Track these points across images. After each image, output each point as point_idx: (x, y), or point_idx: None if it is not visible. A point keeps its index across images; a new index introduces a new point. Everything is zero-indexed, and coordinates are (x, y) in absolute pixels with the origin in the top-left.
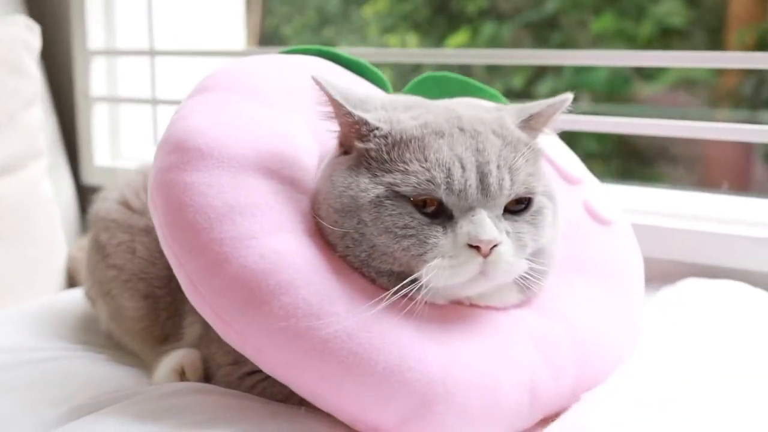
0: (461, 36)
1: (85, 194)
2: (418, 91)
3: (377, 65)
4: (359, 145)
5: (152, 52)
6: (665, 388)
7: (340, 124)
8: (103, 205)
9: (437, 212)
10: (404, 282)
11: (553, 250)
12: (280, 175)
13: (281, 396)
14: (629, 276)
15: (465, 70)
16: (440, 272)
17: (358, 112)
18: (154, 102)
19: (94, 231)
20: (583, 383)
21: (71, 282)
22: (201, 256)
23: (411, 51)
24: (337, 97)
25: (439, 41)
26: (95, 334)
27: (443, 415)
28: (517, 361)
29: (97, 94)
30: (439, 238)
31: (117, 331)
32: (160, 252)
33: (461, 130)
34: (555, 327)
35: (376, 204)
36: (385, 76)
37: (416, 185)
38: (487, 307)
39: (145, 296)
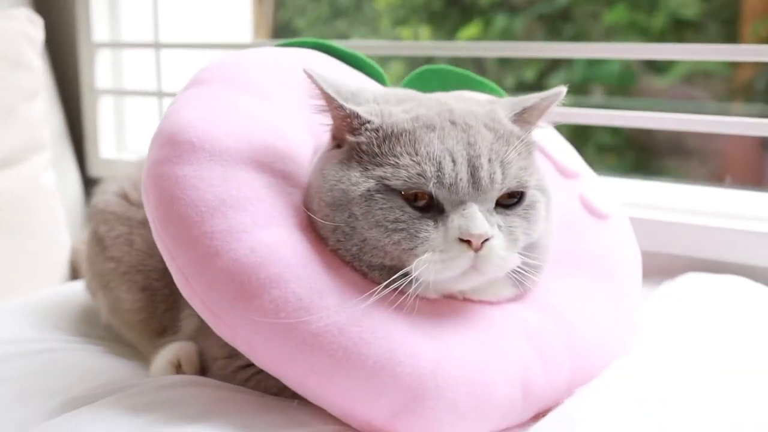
0: (473, 28)
1: (90, 187)
2: (417, 83)
3: (389, 58)
4: (351, 139)
5: (157, 45)
6: (663, 382)
7: (333, 118)
8: (102, 198)
9: (428, 206)
10: (395, 276)
11: (547, 245)
12: (272, 168)
13: (275, 389)
14: (625, 270)
15: (477, 62)
16: (431, 266)
17: (350, 106)
18: (160, 95)
19: (93, 223)
20: (577, 378)
21: (75, 274)
22: (192, 249)
23: (423, 44)
24: (329, 90)
25: (451, 33)
26: (95, 327)
27: (434, 410)
28: (510, 356)
29: (102, 87)
30: (430, 232)
31: (116, 324)
32: None
33: (453, 123)
34: (549, 322)
35: (366, 198)
36: (396, 68)
37: (407, 179)
38: (480, 302)
39: (143, 288)
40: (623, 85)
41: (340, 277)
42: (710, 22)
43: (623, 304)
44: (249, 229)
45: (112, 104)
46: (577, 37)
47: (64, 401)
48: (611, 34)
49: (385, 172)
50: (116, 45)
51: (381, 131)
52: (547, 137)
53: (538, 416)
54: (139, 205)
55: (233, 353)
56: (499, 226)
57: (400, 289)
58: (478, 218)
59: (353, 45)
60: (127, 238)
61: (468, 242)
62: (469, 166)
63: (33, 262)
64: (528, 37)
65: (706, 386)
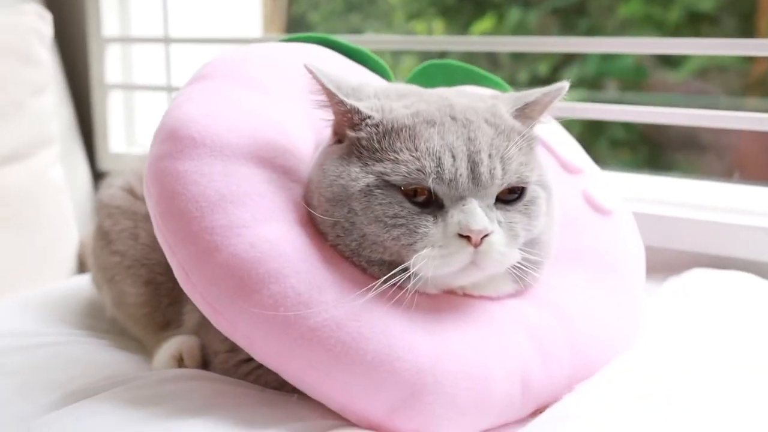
0: (487, 22)
1: (100, 181)
2: (421, 78)
3: (403, 53)
4: (351, 134)
5: (167, 40)
6: (666, 378)
7: (334, 113)
8: (107, 192)
9: (428, 201)
10: (394, 271)
11: (548, 240)
12: (273, 163)
13: (276, 383)
14: (629, 266)
15: (491, 57)
16: (430, 262)
17: (351, 101)
18: (169, 89)
19: (99, 217)
20: (579, 374)
21: (83, 268)
22: (192, 244)
23: (436, 38)
24: (329, 86)
25: (465, 27)
26: (100, 320)
27: (433, 405)
28: (510, 352)
29: (112, 82)
30: (429, 227)
31: (120, 317)
32: None
33: (453, 118)
34: (550, 317)
35: (366, 193)
36: (409, 62)
37: (406, 174)
38: (481, 297)
39: (147, 282)
40: (634, 79)
41: (340, 273)
42: (726, 15)
43: (626, 300)
44: (249, 225)
45: (122, 99)
46: (592, 31)
47: (66, 394)
48: (626, 28)
49: (384, 167)
50: (126, 40)
51: (381, 126)
52: (550, 132)
53: (537, 412)
54: (144, 199)
55: (234, 347)
56: (499, 222)
57: (399, 284)
58: (478, 214)
59: (366, 40)
60: (132, 232)
61: (467, 238)
62: (468, 161)
63: (41, 257)
64: (542, 31)
65: (710, 382)
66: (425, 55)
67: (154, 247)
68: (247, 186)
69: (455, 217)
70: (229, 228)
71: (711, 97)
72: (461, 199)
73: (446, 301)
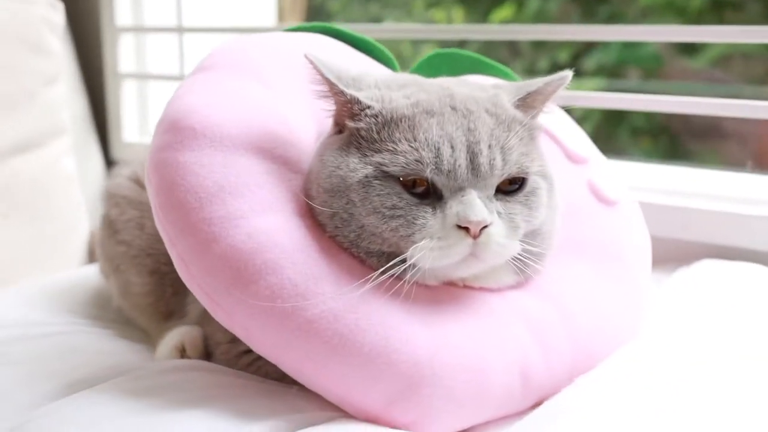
0: (506, 10)
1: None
2: (427, 68)
3: (422, 42)
4: (350, 124)
5: (180, 29)
6: (669, 371)
7: (335, 103)
8: (114, 182)
9: (427, 193)
10: (392, 262)
11: (550, 231)
12: (273, 154)
13: (276, 374)
14: (633, 257)
15: (511, 45)
16: (428, 253)
17: (350, 91)
18: (182, 79)
19: (105, 207)
20: (581, 366)
21: (93, 258)
22: (191, 235)
23: (455, 27)
24: (329, 76)
25: (484, 16)
26: (107, 310)
27: (431, 398)
28: (509, 344)
29: (125, 71)
30: (428, 218)
31: (126, 307)
32: None
33: (453, 108)
34: (551, 309)
35: (364, 184)
36: (429, 51)
37: (404, 165)
38: (481, 289)
39: (152, 272)
40: (653, 67)
41: (337, 264)
42: (750, 1)
43: (631, 291)
44: (247, 216)
45: (135, 88)
46: (613, 18)
47: (67, 384)
48: (648, 15)
49: (383, 158)
50: (139, 29)
51: (380, 117)
52: (556, 122)
53: (539, 405)
54: None
55: (236, 338)
56: (499, 213)
57: (397, 275)
58: (477, 205)
59: (386, 28)
60: (138, 222)
61: (466, 229)
62: (468, 152)
63: (51, 247)
64: (563, 18)
65: (716, 374)
66: (445, 44)
67: (160, 237)
68: (246, 177)
69: (454, 208)
70: (227, 219)
71: (733, 86)
72: (460, 190)
73: (446, 292)
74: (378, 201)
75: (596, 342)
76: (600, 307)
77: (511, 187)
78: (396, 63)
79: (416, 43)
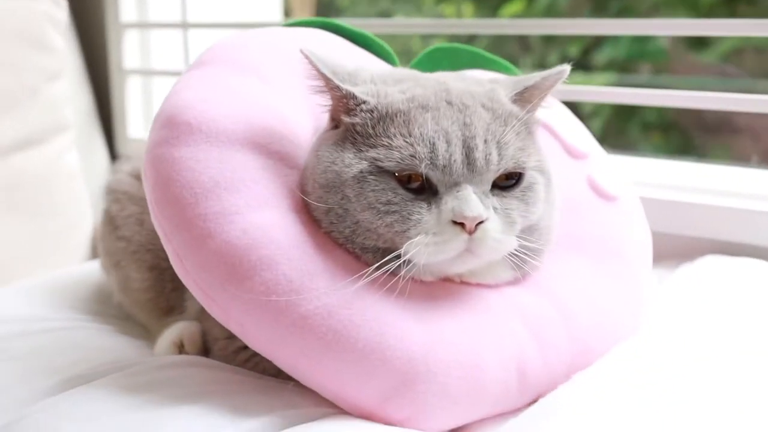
0: (516, 4)
1: None
2: (427, 63)
3: (432, 36)
4: (346, 120)
5: (185, 25)
6: (669, 367)
7: (331, 98)
8: (114, 177)
9: (422, 188)
10: (386, 258)
11: (548, 227)
12: (269, 150)
13: (273, 370)
14: (633, 253)
15: (521, 39)
16: (423, 249)
17: (346, 86)
18: None
19: (106, 203)
20: (578, 363)
21: (96, 254)
22: (186, 231)
23: (465, 21)
24: (324, 71)
25: (494, 10)
26: (108, 306)
27: (425, 394)
28: (506, 341)
29: (130, 67)
30: (423, 214)
31: (126, 302)
32: None
33: (449, 103)
34: (549, 306)
35: (359, 179)
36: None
37: (399, 160)
38: (478, 285)
39: (151, 268)
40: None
41: (332, 260)
42: None
43: (630, 287)
44: (242, 211)
45: (140, 84)
46: (624, 12)
47: (62, 380)
48: (659, 8)
49: (378, 153)
50: (144, 25)
51: (376, 112)
52: (555, 116)
53: (535, 402)
54: None
55: (233, 334)
56: (495, 209)
57: (393, 271)
58: (472, 200)
59: (396, 23)
60: (138, 218)
61: (462, 225)
62: (463, 147)
63: (54, 243)
64: (573, 12)
65: (717, 371)
66: (455, 39)
67: None
68: (242, 172)
69: (449, 203)
70: (222, 215)
71: (745, 80)
72: (456, 185)
73: (442, 288)
74: (373, 196)
75: (595, 338)
76: (599, 303)
77: (508, 182)
78: (395, 58)
79: (426, 38)
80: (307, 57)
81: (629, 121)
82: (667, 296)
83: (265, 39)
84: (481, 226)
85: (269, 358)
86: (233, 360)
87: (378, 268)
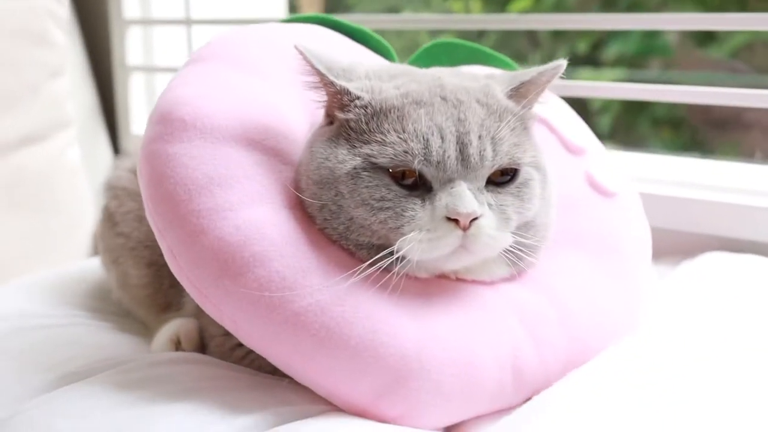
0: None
1: None
2: (426, 59)
3: (440, 32)
4: (340, 116)
5: (188, 21)
6: (667, 365)
7: (325, 94)
8: (113, 174)
9: (416, 184)
10: (380, 255)
11: (544, 224)
12: (264, 146)
13: (269, 368)
14: (632, 249)
15: (529, 35)
16: (417, 245)
17: (340, 82)
18: None
19: (105, 199)
20: (575, 360)
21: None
22: (180, 227)
23: (473, 17)
24: (319, 66)
25: (502, 5)
26: (107, 302)
27: (418, 392)
28: (501, 338)
29: (133, 64)
30: (417, 210)
31: (125, 299)
32: None
33: (443, 99)
34: (545, 302)
35: (353, 176)
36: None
37: (393, 156)
38: (474, 282)
39: (149, 264)
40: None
41: (326, 256)
42: None
43: (628, 284)
44: (235, 208)
45: (143, 81)
46: (633, 7)
47: (57, 377)
48: (668, 3)
49: (371, 149)
50: (147, 22)
51: (370, 108)
52: (553, 111)
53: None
54: None
55: (229, 331)
56: (490, 205)
57: (386, 268)
58: (466, 196)
59: (404, 19)
60: (137, 214)
61: (456, 221)
62: (457, 142)
63: (56, 239)
64: (582, 8)
65: (717, 368)
66: (463, 34)
67: None
68: (236, 169)
69: (443, 200)
70: (216, 211)
71: (755, 76)
72: (450, 181)
73: (437, 285)
74: (366, 193)
75: (592, 336)
76: (597, 300)
77: (503, 178)
78: (393, 53)
79: (434, 34)
80: (301, 53)
81: (639, 117)
82: (668, 293)
83: (262, 35)
84: (476, 222)
85: (263, 354)
86: (230, 357)
87: (371, 265)
